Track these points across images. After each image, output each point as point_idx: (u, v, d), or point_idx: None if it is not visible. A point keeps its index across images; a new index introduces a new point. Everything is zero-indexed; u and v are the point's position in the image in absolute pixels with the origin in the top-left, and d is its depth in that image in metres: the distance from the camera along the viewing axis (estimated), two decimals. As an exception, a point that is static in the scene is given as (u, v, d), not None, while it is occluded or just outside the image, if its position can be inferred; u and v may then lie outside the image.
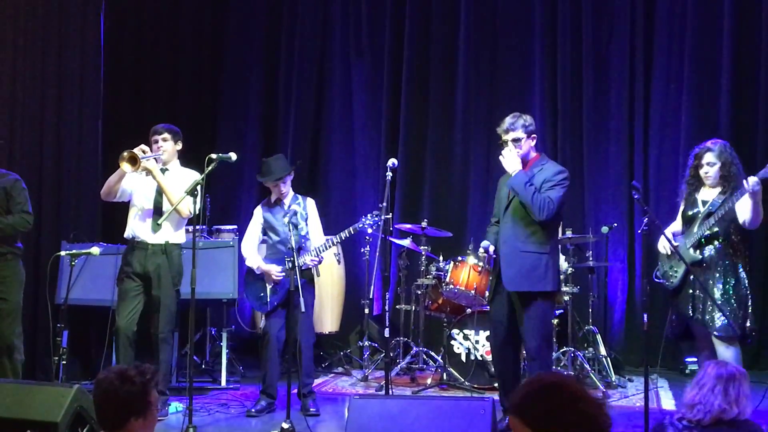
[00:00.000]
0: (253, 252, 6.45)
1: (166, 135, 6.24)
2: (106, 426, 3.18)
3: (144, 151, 5.98)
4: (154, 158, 6.09)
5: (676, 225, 5.95)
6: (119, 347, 6.08)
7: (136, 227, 6.20)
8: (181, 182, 6.12)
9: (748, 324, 5.50)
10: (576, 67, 8.62)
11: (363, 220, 6.33)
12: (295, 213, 6.17)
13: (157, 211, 6.17)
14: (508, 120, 5.76)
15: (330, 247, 6.47)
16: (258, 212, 6.53)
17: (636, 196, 5.37)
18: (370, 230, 6.45)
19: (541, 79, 8.71)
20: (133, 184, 6.22)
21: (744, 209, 5.51)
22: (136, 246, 6.17)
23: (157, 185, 6.16)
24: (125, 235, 6.28)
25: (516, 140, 5.71)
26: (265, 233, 6.47)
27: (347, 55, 9.31)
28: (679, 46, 8.38)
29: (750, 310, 5.54)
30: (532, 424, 2.36)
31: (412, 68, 9.05)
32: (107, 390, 3.15)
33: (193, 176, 6.21)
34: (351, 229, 6.33)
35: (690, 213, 5.73)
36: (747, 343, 5.66)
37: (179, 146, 6.33)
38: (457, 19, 8.94)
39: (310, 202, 6.55)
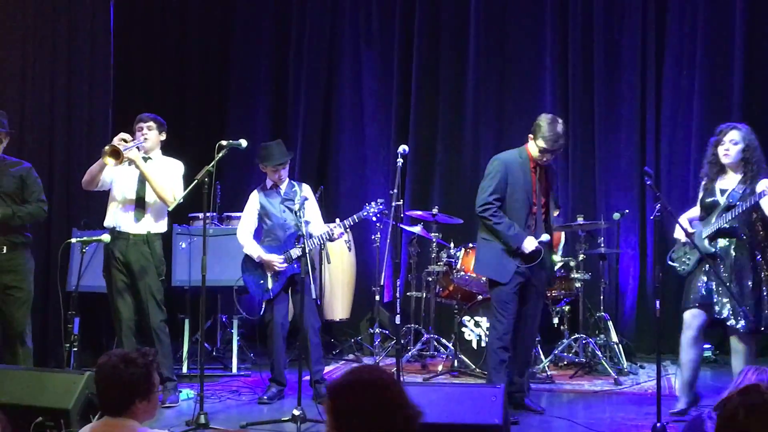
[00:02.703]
0: (251, 239, 6.39)
1: (151, 123, 6.24)
2: (111, 410, 3.17)
3: (125, 140, 5.95)
4: (137, 147, 6.06)
5: (696, 210, 5.79)
6: (122, 337, 6.11)
7: (118, 217, 6.16)
8: (163, 171, 6.14)
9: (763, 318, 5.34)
10: (587, 53, 8.56)
11: (367, 208, 6.31)
12: (305, 199, 6.11)
13: (140, 201, 6.14)
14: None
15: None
16: (255, 197, 6.43)
17: (648, 182, 5.32)
18: (374, 218, 6.44)
19: (552, 66, 8.66)
20: (114, 174, 6.18)
21: None
22: (117, 236, 6.13)
23: (139, 174, 6.12)
24: (105, 224, 6.23)
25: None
26: (261, 219, 6.41)
27: (357, 42, 9.27)
28: (691, 31, 8.31)
29: (764, 304, 5.36)
30: (338, 413, 2.38)
31: (422, 55, 9.00)
32: (111, 374, 3.14)
33: (175, 166, 6.25)
34: (355, 217, 6.32)
35: (708, 201, 5.57)
36: (762, 332, 5.48)
37: (163, 137, 6.31)
38: (468, 5, 8.88)
39: (306, 187, 6.47)
